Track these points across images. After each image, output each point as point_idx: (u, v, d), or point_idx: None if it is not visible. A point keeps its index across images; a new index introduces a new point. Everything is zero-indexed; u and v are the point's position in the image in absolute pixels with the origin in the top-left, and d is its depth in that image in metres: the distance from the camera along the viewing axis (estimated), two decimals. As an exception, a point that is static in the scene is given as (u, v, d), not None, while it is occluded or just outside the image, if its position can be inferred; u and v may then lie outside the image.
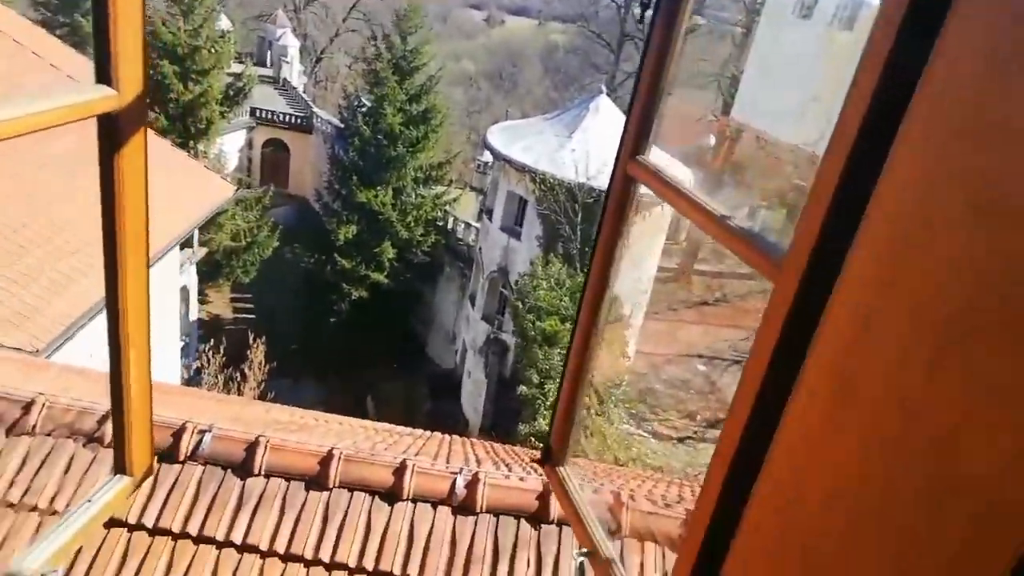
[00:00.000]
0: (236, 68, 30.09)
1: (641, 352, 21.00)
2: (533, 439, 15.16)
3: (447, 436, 5.77)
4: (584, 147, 19.76)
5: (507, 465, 4.30)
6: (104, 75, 1.23)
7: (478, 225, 25.33)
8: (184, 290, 17.57)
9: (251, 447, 3.46)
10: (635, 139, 1.59)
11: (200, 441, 3.48)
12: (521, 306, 18.58)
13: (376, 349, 24.30)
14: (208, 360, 14.61)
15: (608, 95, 22.44)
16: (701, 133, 23.80)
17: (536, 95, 57.49)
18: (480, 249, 23.50)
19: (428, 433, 6.04)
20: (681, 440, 19.28)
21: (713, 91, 28.39)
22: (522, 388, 16.94)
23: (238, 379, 14.28)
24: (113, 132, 1.29)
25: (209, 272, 24.30)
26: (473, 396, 22.74)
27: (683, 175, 20.11)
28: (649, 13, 1.57)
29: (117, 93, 1.24)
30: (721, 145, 23.04)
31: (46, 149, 10.90)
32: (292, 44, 38.76)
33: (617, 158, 1.65)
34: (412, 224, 25.52)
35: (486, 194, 25.43)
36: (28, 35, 15.78)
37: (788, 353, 0.85)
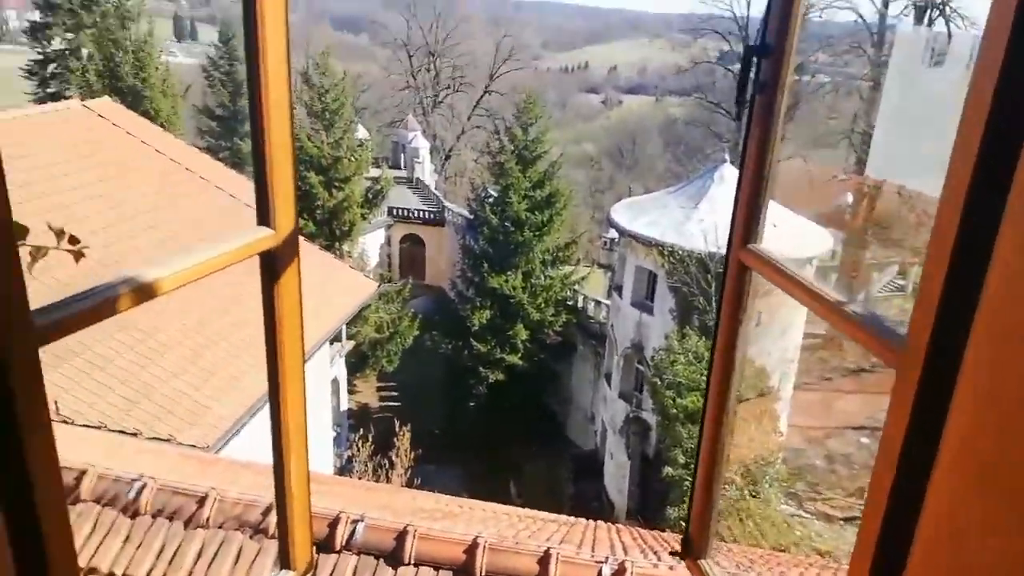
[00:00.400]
0: (374, 172, 32.42)
1: (795, 426, 19.80)
2: (683, 523, 14.47)
3: (591, 522, 5.67)
4: (711, 217, 19.47)
5: (655, 553, 4.17)
6: (264, 218, 1.43)
7: (608, 302, 25.28)
8: (335, 382, 18.58)
9: (400, 536, 3.58)
10: (744, 227, 1.61)
11: (353, 531, 3.63)
12: (659, 383, 18.14)
13: (516, 431, 24.42)
14: (358, 448, 15.22)
15: (732, 163, 22.17)
16: (837, 192, 22.86)
17: (658, 169, 57.65)
18: (612, 326, 23.37)
19: (572, 519, 5.96)
20: (848, 520, 17.75)
21: (844, 148, 27.34)
22: (667, 469, 16.34)
23: (386, 466, 14.74)
24: (272, 265, 1.47)
25: (356, 363, 25.64)
26: (616, 478, 22.16)
27: (821, 237, 19.31)
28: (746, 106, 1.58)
29: (274, 232, 1.43)
30: (859, 203, 21.97)
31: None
32: (423, 145, 41.33)
33: (728, 247, 1.66)
34: (543, 305, 25.89)
35: (614, 271, 25.45)
36: (196, 161, 17.91)
37: (920, 440, 0.83)
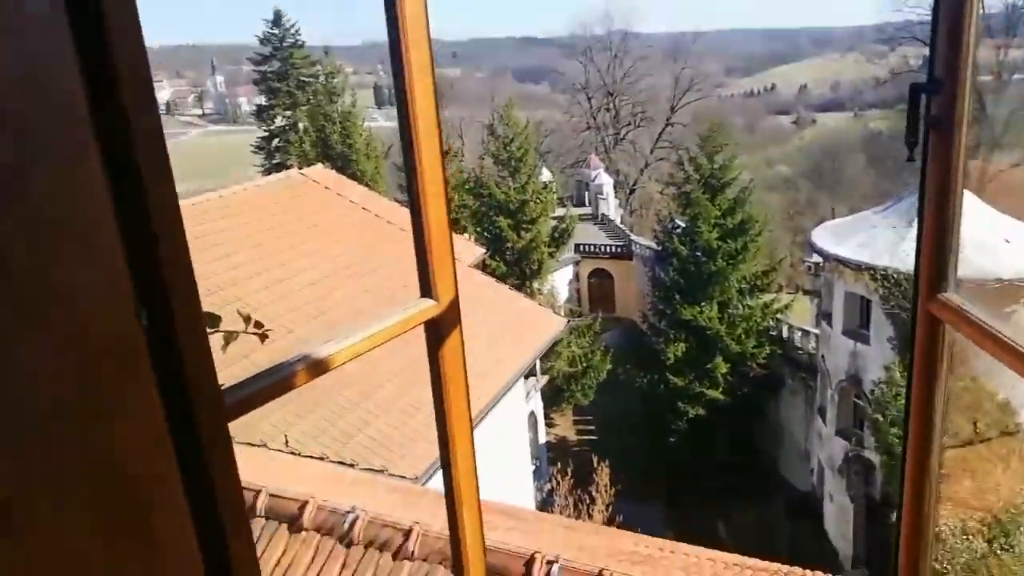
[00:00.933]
0: (559, 212, 33.04)
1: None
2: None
3: (809, 572, 5.09)
4: (931, 232, 17.47)
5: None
6: (426, 291, 1.56)
7: (817, 331, 23.47)
8: (532, 415, 18.75)
9: (594, 581, 3.37)
10: (931, 275, 1.51)
11: (549, 572, 3.51)
12: (882, 419, 16.40)
13: (722, 468, 23.13)
14: (557, 482, 15.16)
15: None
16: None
17: (863, 187, 53.32)
18: (823, 357, 21.59)
19: (790, 568, 5.39)
20: None
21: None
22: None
23: (587, 501, 14.53)
24: (436, 332, 1.60)
25: (552, 397, 25.83)
26: (838, 521, 20.18)
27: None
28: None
29: (437, 303, 1.56)
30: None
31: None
32: (606, 182, 41.50)
33: (914, 298, 1.55)
34: (743, 336, 24.56)
35: (821, 297, 23.63)
36: (396, 215, 19.24)
37: None
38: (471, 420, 1.74)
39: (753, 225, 26.07)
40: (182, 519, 0.83)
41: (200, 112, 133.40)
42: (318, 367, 1.29)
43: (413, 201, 1.52)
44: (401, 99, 1.46)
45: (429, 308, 1.55)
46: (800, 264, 37.76)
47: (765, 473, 24.64)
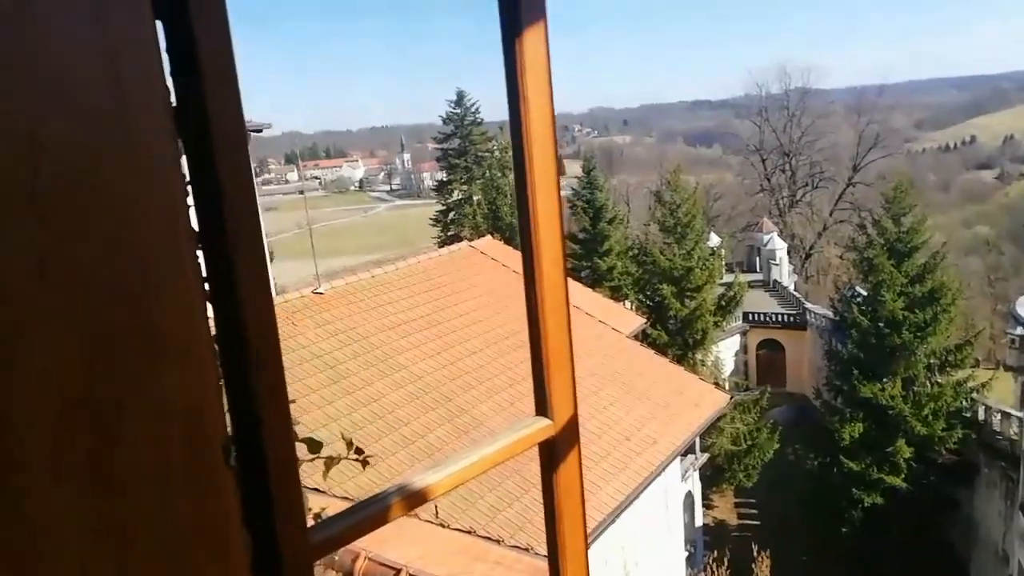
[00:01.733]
0: (727, 278, 32.19)
1: None
2: None
3: None
4: None
5: None
6: (542, 409, 1.49)
7: (1021, 414, 20.89)
8: (689, 496, 18.21)
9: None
10: None
11: None
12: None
13: (902, 565, 20.85)
14: (713, 571, 14.55)
15: None
16: None
17: (1084, 248, 47.11)
18: (1028, 444, 19.18)
19: None
20: None
21: None
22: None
23: (744, 592, 13.80)
24: (552, 453, 1.53)
25: (712, 477, 24.76)
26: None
27: None
28: None
29: (553, 423, 1.49)
30: None
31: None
32: (779, 246, 39.93)
33: None
34: (930, 418, 22.32)
35: (1027, 375, 21.13)
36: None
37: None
38: (586, 550, 1.64)
39: (945, 294, 24.01)
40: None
41: (389, 188, 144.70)
42: (418, 497, 1.22)
43: (531, 308, 1.43)
44: (522, 205, 1.36)
45: (544, 428, 1.48)
46: (1002, 336, 33.86)
47: (955, 573, 21.90)
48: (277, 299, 14.16)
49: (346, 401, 12.49)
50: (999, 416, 22.47)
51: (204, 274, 0.82)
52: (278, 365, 0.88)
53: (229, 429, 0.83)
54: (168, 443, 0.74)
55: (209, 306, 0.83)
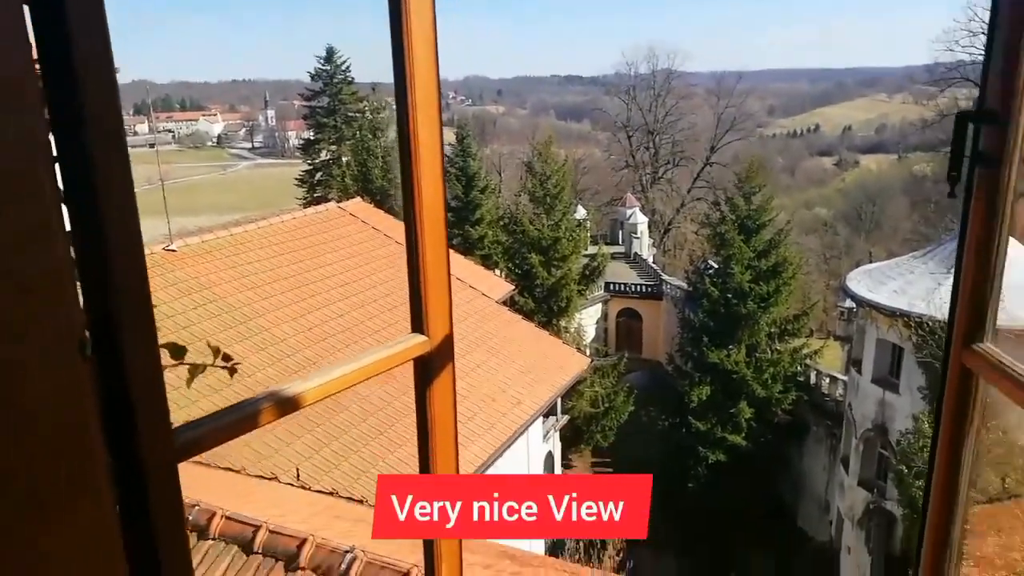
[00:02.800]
0: (591, 250, 33.25)
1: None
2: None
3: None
4: (964, 282, 17.25)
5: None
6: (418, 326, 1.50)
7: (845, 378, 23.14)
8: (549, 456, 18.85)
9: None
10: (968, 322, 1.40)
11: None
12: (906, 470, 16.14)
13: (740, 518, 22.71)
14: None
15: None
16: None
17: (903, 232, 52.50)
18: (850, 405, 21.30)
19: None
20: None
21: None
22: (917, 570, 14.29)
23: (598, 547, 14.51)
24: (426, 370, 1.52)
25: (571, 438, 25.75)
26: (856, 576, 19.73)
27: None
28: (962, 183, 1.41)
29: (428, 339, 1.48)
30: None
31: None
32: (641, 221, 41.64)
33: (947, 347, 1.44)
34: (769, 382, 24.29)
35: (852, 344, 23.35)
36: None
37: None
38: (457, 466, 1.67)
39: (787, 268, 25.85)
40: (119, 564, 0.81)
41: (250, 145, 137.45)
42: (289, 405, 1.22)
43: (409, 229, 1.45)
44: (403, 129, 1.38)
45: (419, 344, 1.46)
46: (834, 309, 37.31)
47: (784, 524, 24.12)
48: (123, 256, 13.14)
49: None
50: (828, 380, 24.80)
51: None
52: (139, 256, 0.84)
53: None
54: (20, 331, 0.69)
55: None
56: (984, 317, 1.39)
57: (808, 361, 25.49)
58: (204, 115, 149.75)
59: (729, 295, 25.28)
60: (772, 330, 25.31)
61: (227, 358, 1.86)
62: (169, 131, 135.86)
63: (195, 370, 1.76)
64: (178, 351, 1.64)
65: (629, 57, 65.75)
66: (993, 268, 1.36)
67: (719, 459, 23.74)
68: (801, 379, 25.26)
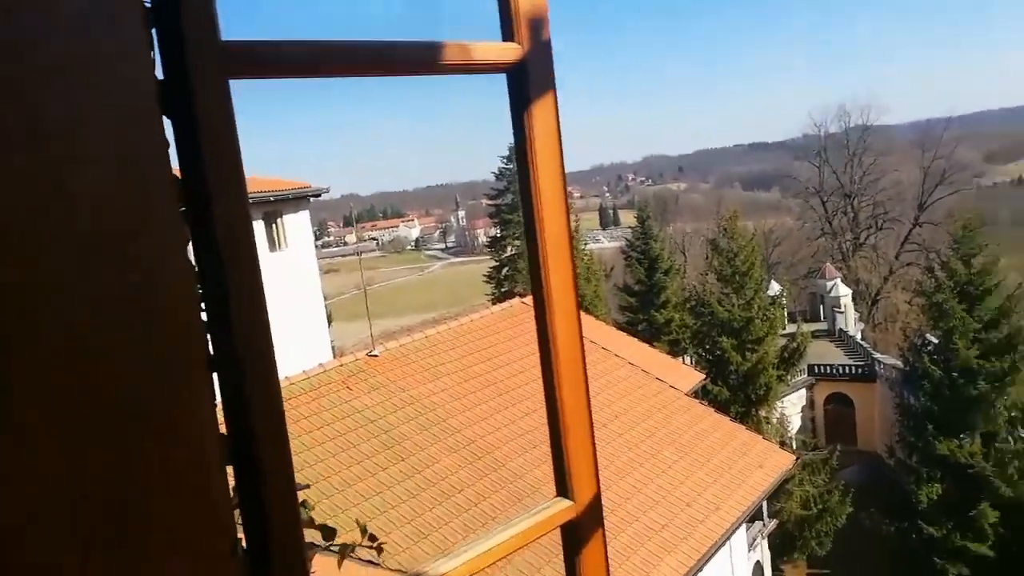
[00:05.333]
0: (790, 329, 31.21)
1: None
2: None
3: None
4: None
5: None
6: (563, 489, 1.44)
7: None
8: (758, 567, 17.40)
9: None
10: None
11: None
12: None
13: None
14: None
15: None
16: None
17: None
18: None
19: None
20: None
21: None
22: None
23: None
24: (574, 536, 1.47)
25: (782, 545, 23.50)
26: None
27: None
28: None
29: (574, 503, 1.43)
30: None
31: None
32: (844, 293, 38.62)
33: None
34: (1016, 478, 20.82)
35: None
36: (609, 337, 19.74)
37: None
38: None
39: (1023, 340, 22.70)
40: None
41: (444, 246, 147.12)
42: None
43: (547, 382, 1.39)
44: (535, 275, 1.35)
45: (565, 509, 1.42)
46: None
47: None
48: (332, 363, 14.41)
49: (400, 467, 12.46)
50: (1096, 476, 20.89)
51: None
52: (287, 467, 0.89)
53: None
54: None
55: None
56: None
57: (1065, 453, 21.72)
58: (403, 222, 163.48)
59: (954, 374, 22.57)
60: (1013, 415, 22.07)
61: (373, 539, 1.99)
62: (374, 239, 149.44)
63: (344, 550, 1.85)
64: (328, 533, 1.75)
65: (818, 118, 62.46)
66: None
67: (961, 573, 20.47)
68: (1057, 474, 21.50)
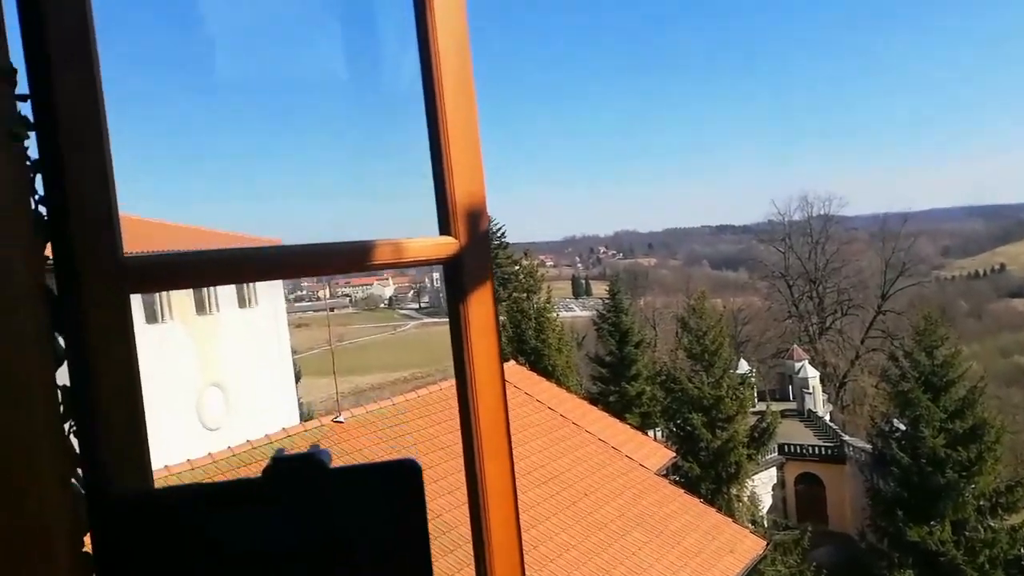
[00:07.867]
0: (759, 407, 31.17)
1: None
2: None
3: None
4: None
5: None
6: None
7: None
8: (727, 653, 16.75)
9: None
10: None
11: None
12: None
13: None
14: None
15: None
16: None
17: None
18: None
19: None
20: None
21: None
22: None
23: None
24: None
25: (753, 629, 22.86)
26: None
27: None
28: None
29: None
30: None
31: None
32: (812, 374, 38.93)
33: None
34: (987, 567, 20.71)
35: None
36: (577, 411, 19.51)
37: None
38: None
39: (988, 431, 22.92)
40: None
41: (417, 306, 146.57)
42: None
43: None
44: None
45: None
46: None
47: None
48: (298, 428, 13.93)
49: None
50: (1063, 567, 20.85)
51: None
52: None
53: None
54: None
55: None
56: None
57: (1033, 544, 21.69)
58: (377, 280, 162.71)
59: (922, 461, 22.62)
60: (982, 503, 22.02)
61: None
62: (347, 295, 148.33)
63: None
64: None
65: (781, 207, 64.21)
66: None
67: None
68: (1028, 564, 21.42)
